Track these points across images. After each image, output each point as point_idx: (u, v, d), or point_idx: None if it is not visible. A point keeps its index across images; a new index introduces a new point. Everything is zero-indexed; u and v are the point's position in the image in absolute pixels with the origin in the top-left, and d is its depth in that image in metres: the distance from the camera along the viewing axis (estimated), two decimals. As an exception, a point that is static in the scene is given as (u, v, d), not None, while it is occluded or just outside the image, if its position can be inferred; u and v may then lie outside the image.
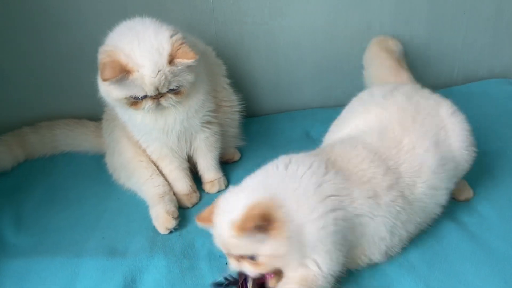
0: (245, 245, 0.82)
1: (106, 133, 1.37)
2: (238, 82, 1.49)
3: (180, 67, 1.04)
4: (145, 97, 1.06)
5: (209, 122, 1.25)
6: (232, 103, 1.38)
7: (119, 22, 1.12)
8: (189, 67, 1.06)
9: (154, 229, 1.14)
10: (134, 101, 1.07)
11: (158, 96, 1.06)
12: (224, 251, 0.87)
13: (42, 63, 1.51)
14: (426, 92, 1.11)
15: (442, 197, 1.00)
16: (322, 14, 1.58)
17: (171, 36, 1.05)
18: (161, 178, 1.24)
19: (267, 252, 0.81)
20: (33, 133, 1.47)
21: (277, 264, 0.84)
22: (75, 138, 1.49)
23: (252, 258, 0.83)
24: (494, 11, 1.68)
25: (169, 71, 1.03)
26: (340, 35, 1.62)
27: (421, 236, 1.06)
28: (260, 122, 1.64)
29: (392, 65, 1.31)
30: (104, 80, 1.01)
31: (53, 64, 1.52)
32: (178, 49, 1.03)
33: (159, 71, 1.02)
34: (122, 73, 1.00)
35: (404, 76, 1.27)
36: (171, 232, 1.12)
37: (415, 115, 1.01)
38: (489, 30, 1.72)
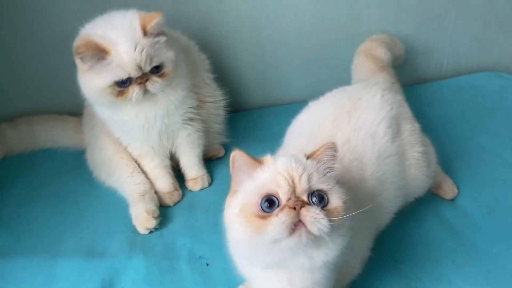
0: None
1: (87, 129, 1.33)
2: (223, 76, 1.46)
3: (156, 39, 1.04)
4: (130, 82, 1.02)
5: (191, 119, 1.22)
6: (216, 98, 1.34)
7: (100, 13, 1.09)
8: (166, 42, 1.05)
9: (134, 229, 1.11)
10: (120, 90, 1.03)
11: (143, 79, 1.03)
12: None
13: (22, 57, 1.46)
14: (379, 89, 1.07)
15: (393, 192, 0.97)
16: (309, 7, 1.54)
17: (137, 12, 1.06)
18: (142, 176, 1.22)
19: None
20: (12, 129, 1.43)
21: None
22: (55, 134, 1.45)
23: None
24: (483, 4, 1.66)
25: (146, 43, 1.01)
26: (327, 29, 1.59)
27: (404, 233, 1.05)
28: (246, 117, 1.61)
29: (373, 70, 1.29)
30: (78, 53, 0.99)
31: (33, 59, 1.47)
32: (145, 18, 1.03)
33: (136, 46, 1.00)
34: (97, 51, 0.98)
35: (380, 78, 1.24)
36: (151, 232, 1.10)
37: (351, 111, 0.99)
38: (478, 23, 1.70)
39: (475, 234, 1.05)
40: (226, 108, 1.37)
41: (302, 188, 0.68)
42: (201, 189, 1.27)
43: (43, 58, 1.47)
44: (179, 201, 1.23)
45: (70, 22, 1.40)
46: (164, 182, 1.23)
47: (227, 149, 1.44)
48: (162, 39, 1.06)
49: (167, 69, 1.06)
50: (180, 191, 1.25)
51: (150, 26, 1.02)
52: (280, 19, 1.54)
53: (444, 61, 1.78)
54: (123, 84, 1.02)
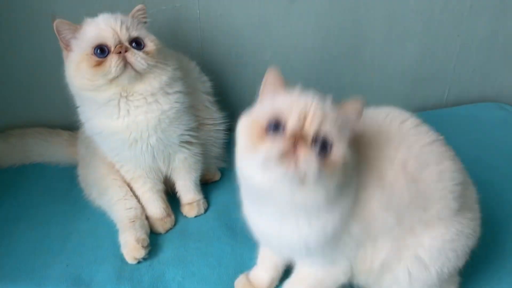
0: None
1: (83, 144, 1.29)
2: (223, 98, 1.43)
3: (137, 20, 1.07)
4: (108, 53, 0.99)
5: (188, 142, 1.19)
6: (215, 121, 1.31)
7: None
8: (147, 30, 1.07)
9: (122, 257, 1.07)
10: (98, 60, 0.99)
11: (122, 48, 0.99)
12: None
13: (15, 69, 1.43)
14: None
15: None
16: (312, 31, 1.53)
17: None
18: (134, 201, 1.18)
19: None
20: (2, 142, 1.40)
21: None
22: (47, 148, 1.41)
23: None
24: (487, 36, 1.66)
25: (124, 18, 1.04)
26: (330, 53, 1.58)
27: None
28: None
29: None
30: (55, 21, 1.01)
31: (27, 71, 1.44)
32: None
33: (114, 17, 1.03)
34: (73, 26, 1.02)
35: None
36: (139, 262, 1.06)
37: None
38: (482, 54, 1.70)
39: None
40: (225, 132, 1.34)
41: (310, 127, 0.67)
42: (196, 216, 1.23)
43: (37, 70, 1.44)
44: (171, 228, 1.19)
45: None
46: (156, 208, 1.19)
47: (223, 172, 1.41)
48: (144, 25, 1.08)
49: (149, 47, 1.03)
50: (172, 217, 1.21)
51: (131, 12, 1.07)
52: (283, 42, 1.53)
53: (446, 90, 1.77)
54: (101, 54, 0.99)
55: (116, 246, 1.10)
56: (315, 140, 0.67)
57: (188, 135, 1.17)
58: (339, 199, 0.73)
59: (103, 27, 1.00)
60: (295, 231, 0.75)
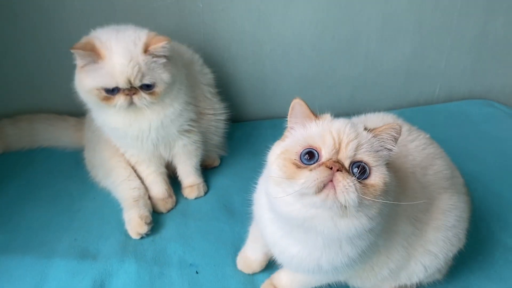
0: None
1: (89, 127, 1.35)
2: (224, 87, 1.49)
3: (155, 59, 1.06)
4: (117, 91, 1.05)
5: (187, 131, 1.25)
6: (216, 111, 1.38)
7: (106, 22, 1.12)
8: (165, 64, 1.08)
9: (127, 233, 1.14)
10: (106, 96, 1.05)
11: (131, 92, 1.05)
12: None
13: (24, 58, 1.49)
14: None
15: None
16: (310, 26, 1.59)
17: (149, 32, 1.09)
18: (138, 181, 1.24)
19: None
20: (12, 126, 1.45)
21: None
22: (54, 132, 1.47)
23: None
24: (477, 36, 1.72)
25: (143, 60, 1.04)
26: (326, 48, 1.64)
27: None
28: (243, 128, 1.65)
29: None
30: (73, 49, 1.01)
31: (35, 59, 1.50)
32: (153, 38, 1.06)
33: (131, 59, 1.02)
34: (92, 52, 1.02)
35: None
36: (143, 237, 1.13)
37: None
38: (471, 53, 1.76)
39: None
40: (225, 122, 1.40)
41: (346, 153, 0.67)
42: (196, 198, 1.30)
43: (47, 58, 1.50)
44: (172, 208, 1.26)
45: (75, 24, 1.44)
46: (158, 188, 1.26)
47: (223, 158, 1.48)
48: (162, 60, 1.08)
49: (158, 89, 1.08)
50: (174, 198, 1.28)
51: (153, 47, 1.05)
52: (281, 37, 1.59)
53: (437, 87, 1.84)
54: (110, 92, 1.05)
55: (120, 223, 1.17)
56: (352, 166, 0.66)
57: (188, 125, 1.24)
58: (380, 219, 0.71)
59: (117, 73, 1.02)
60: (329, 256, 0.74)
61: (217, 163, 1.45)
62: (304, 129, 0.72)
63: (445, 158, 0.95)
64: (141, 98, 1.07)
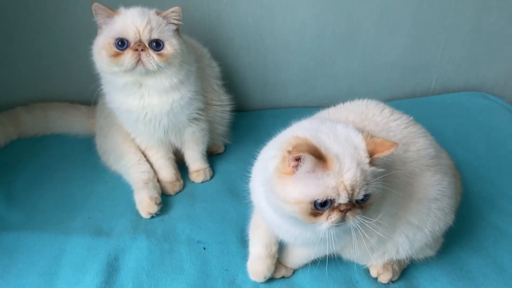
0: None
1: (101, 115, 1.42)
2: (228, 79, 1.55)
3: (166, 21, 1.13)
4: (127, 46, 1.10)
5: (196, 119, 1.32)
6: (222, 102, 1.44)
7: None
8: (174, 32, 1.15)
9: (137, 213, 1.21)
10: (116, 51, 1.10)
11: (140, 47, 1.09)
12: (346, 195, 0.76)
13: (38, 49, 1.55)
14: None
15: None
16: (310, 20, 1.65)
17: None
18: (147, 165, 1.31)
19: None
20: (26, 113, 1.52)
21: None
22: (67, 120, 1.54)
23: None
24: (472, 29, 1.77)
25: (154, 19, 1.11)
26: (326, 42, 1.70)
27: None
28: (246, 117, 1.72)
29: None
30: (93, 4, 1.10)
31: (48, 50, 1.56)
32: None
33: (143, 14, 1.11)
34: (108, 11, 1.11)
35: None
36: (153, 216, 1.20)
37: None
38: (466, 46, 1.82)
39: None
40: (230, 112, 1.48)
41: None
42: (202, 181, 1.37)
43: (60, 48, 1.57)
44: (180, 191, 1.33)
45: (87, 13, 1.50)
46: (167, 172, 1.33)
47: (227, 146, 1.55)
48: (172, 27, 1.15)
49: (167, 50, 1.12)
50: (181, 182, 1.35)
51: (164, 12, 1.14)
52: (283, 30, 1.65)
53: (433, 79, 1.90)
54: (120, 46, 1.10)
55: (131, 204, 1.24)
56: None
57: (196, 113, 1.31)
58: None
59: (129, 23, 1.10)
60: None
61: (221, 150, 1.52)
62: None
63: (428, 137, 1.01)
64: (149, 56, 1.10)
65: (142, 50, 1.10)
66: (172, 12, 1.14)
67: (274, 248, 1.01)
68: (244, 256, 1.08)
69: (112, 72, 1.13)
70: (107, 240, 1.11)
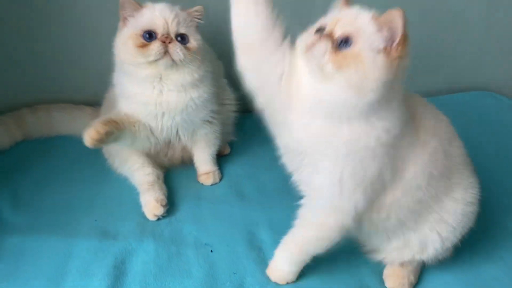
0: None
1: None
2: (233, 78, 1.54)
3: (190, 18, 1.19)
4: (155, 38, 1.12)
5: (209, 121, 1.32)
6: (231, 102, 1.45)
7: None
8: (196, 28, 1.20)
9: (144, 215, 1.20)
10: (143, 42, 1.12)
11: (167, 40, 1.12)
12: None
13: (43, 49, 1.54)
14: None
15: None
16: (315, 17, 1.62)
17: None
18: (152, 168, 1.30)
19: None
20: (31, 115, 1.51)
21: None
22: (71, 121, 1.53)
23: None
24: (481, 29, 1.76)
25: (180, 13, 1.16)
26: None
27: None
28: (252, 118, 1.69)
29: None
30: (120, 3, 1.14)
31: (54, 51, 1.55)
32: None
33: (170, 8, 1.15)
34: (135, 4, 1.15)
35: None
36: (159, 219, 1.19)
37: None
38: (475, 46, 1.80)
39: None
40: (236, 111, 1.47)
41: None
42: (212, 184, 1.35)
43: (63, 50, 1.56)
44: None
45: (92, 16, 1.50)
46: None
47: (233, 147, 1.53)
48: (196, 24, 1.20)
49: (192, 45, 1.16)
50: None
51: (189, 10, 1.20)
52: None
53: (441, 78, 1.88)
54: (148, 38, 1.13)
55: (137, 206, 1.23)
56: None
57: (210, 116, 1.31)
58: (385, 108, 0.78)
59: (157, 15, 1.14)
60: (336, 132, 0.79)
61: (228, 151, 1.51)
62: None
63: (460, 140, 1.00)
64: (176, 46, 1.13)
65: (169, 42, 1.13)
66: (196, 11, 1.20)
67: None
68: (253, 259, 1.07)
69: (136, 63, 1.15)
70: (113, 243, 1.10)
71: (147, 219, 1.19)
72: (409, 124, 0.84)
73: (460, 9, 1.70)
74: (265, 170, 1.38)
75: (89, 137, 1.13)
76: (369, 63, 0.75)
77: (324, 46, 0.76)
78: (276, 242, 1.03)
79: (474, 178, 0.97)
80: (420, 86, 1.86)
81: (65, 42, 1.54)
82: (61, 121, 1.53)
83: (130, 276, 1.02)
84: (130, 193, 1.28)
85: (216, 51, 1.46)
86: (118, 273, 1.02)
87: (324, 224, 0.89)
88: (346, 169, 0.81)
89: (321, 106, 0.80)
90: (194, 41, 1.17)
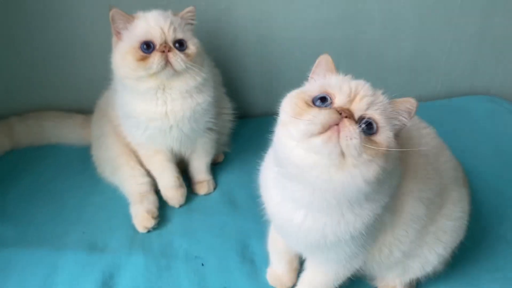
0: None
1: (97, 126, 1.38)
2: (229, 85, 1.51)
3: (184, 21, 1.15)
4: (153, 48, 1.09)
5: (209, 129, 1.29)
6: (228, 111, 1.43)
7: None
8: (192, 31, 1.17)
9: (134, 227, 1.17)
10: (143, 55, 1.08)
11: (166, 49, 1.08)
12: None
13: (33, 55, 1.52)
14: None
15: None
16: (312, 25, 1.61)
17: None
18: (145, 177, 1.27)
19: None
20: (20, 123, 1.49)
21: None
22: (62, 130, 1.51)
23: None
24: (478, 31, 1.73)
25: (174, 18, 1.12)
26: (329, 47, 1.66)
27: None
28: (247, 124, 1.67)
29: None
30: (112, 10, 1.08)
31: (44, 57, 1.52)
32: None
33: (164, 15, 1.11)
34: (127, 17, 1.10)
35: None
36: (149, 231, 1.16)
37: None
38: (472, 49, 1.78)
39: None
40: (233, 121, 1.45)
41: (359, 106, 0.67)
42: (206, 194, 1.32)
43: (55, 56, 1.53)
44: (184, 204, 1.27)
45: (83, 23, 1.47)
46: (170, 177, 1.26)
47: (226, 155, 1.50)
48: (190, 26, 1.17)
49: (190, 50, 1.13)
50: (185, 189, 1.28)
51: (180, 13, 1.16)
52: (284, 35, 1.61)
53: (439, 82, 1.85)
54: (146, 50, 1.09)
55: (127, 217, 1.20)
56: (361, 119, 0.66)
57: (211, 123, 1.28)
58: (381, 189, 0.71)
59: (152, 25, 1.09)
60: (327, 222, 0.73)
61: (221, 159, 1.48)
62: (324, 79, 0.75)
63: (449, 150, 0.97)
64: (176, 55, 1.10)
65: (168, 51, 1.09)
66: (188, 12, 1.16)
67: (295, 263, 0.99)
68: (245, 272, 1.04)
69: (138, 77, 1.11)
70: (101, 256, 1.08)
71: (137, 231, 1.16)
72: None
73: (456, 12, 1.67)
74: (258, 175, 1.34)
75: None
76: (393, 152, 0.69)
77: (353, 130, 0.64)
78: (268, 254, 1.00)
79: (464, 189, 0.94)
80: (417, 91, 1.85)
81: (55, 49, 1.51)
82: (52, 130, 1.50)
83: (118, 291, 0.98)
84: (121, 203, 1.26)
85: (210, 53, 1.44)
86: (106, 288, 0.99)
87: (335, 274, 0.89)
88: (351, 248, 0.80)
89: (336, 196, 0.70)
90: (192, 46, 1.14)
